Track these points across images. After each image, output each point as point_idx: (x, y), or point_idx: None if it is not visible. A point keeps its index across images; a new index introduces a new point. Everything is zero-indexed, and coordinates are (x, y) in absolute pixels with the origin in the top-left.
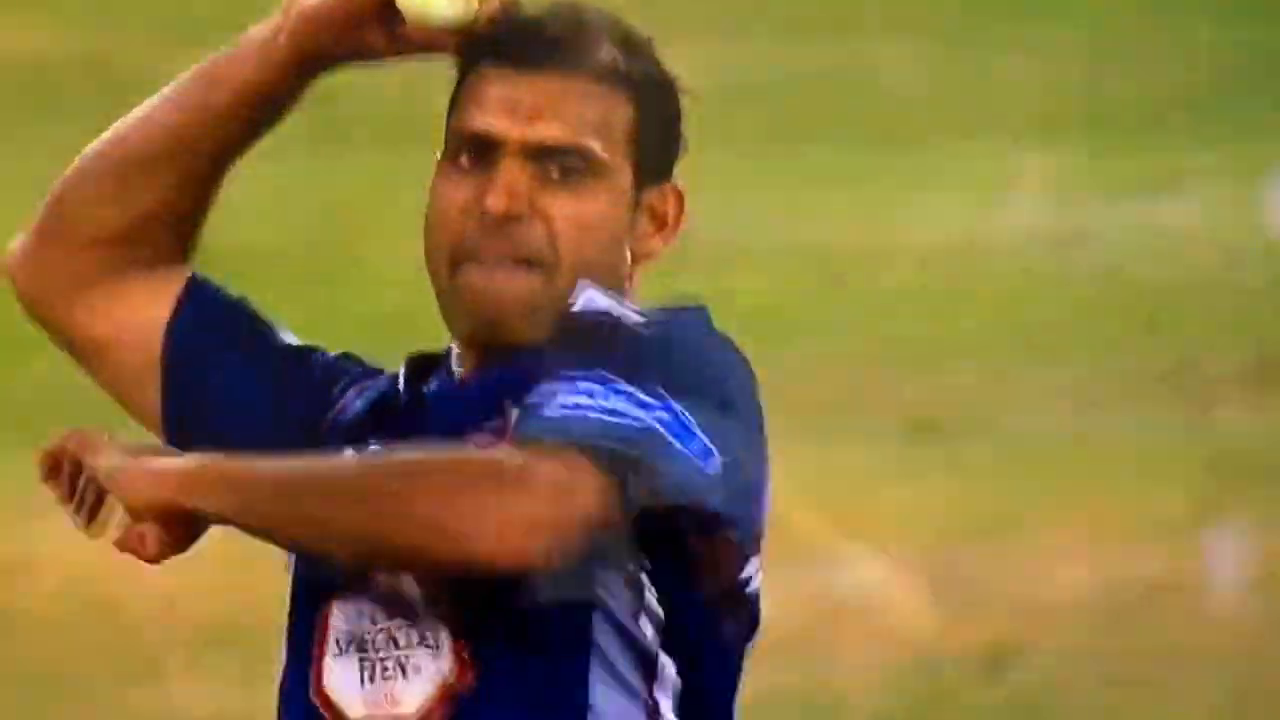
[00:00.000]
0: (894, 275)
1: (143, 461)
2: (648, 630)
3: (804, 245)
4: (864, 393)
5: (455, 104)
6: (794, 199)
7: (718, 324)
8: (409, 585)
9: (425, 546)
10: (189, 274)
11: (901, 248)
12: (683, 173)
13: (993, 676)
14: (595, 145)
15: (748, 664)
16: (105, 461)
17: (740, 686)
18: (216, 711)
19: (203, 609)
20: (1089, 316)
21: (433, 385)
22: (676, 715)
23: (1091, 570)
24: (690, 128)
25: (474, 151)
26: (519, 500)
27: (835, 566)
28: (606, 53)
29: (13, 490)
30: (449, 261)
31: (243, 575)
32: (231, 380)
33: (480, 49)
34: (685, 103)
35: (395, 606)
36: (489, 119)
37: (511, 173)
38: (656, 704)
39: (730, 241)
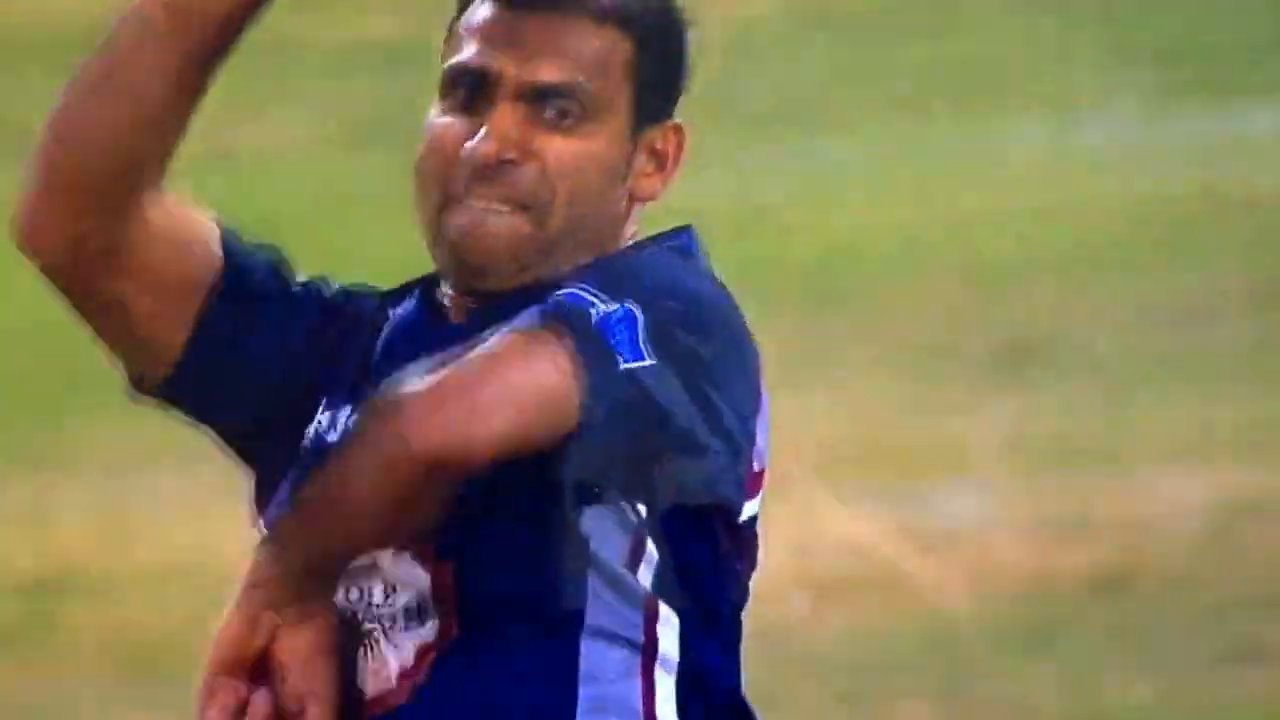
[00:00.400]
0: (981, 197)
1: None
2: (642, 571)
3: (887, 171)
4: (956, 319)
5: (451, 37)
6: (879, 126)
7: (804, 258)
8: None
9: (399, 451)
10: (216, 224)
11: (989, 169)
12: (765, 109)
13: (1102, 601)
14: (592, 86)
15: (843, 599)
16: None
17: (743, 612)
18: None
19: None
20: (1184, 231)
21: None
22: (670, 609)
23: (1196, 488)
24: (769, 61)
25: (469, 88)
26: (483, 382)
27: (939, 497)
28: None
29: (107, 458)
30: (437, 202)
31: None
32: (271, 342)
33: None
34: (691, 38)
35: (370, 575)
36: (486, 56)
37: (505, 116)
38: (656, 607)
39: (808, 172)
